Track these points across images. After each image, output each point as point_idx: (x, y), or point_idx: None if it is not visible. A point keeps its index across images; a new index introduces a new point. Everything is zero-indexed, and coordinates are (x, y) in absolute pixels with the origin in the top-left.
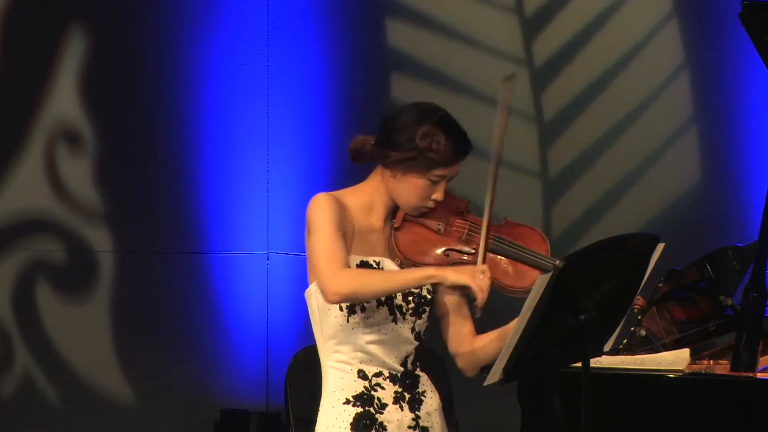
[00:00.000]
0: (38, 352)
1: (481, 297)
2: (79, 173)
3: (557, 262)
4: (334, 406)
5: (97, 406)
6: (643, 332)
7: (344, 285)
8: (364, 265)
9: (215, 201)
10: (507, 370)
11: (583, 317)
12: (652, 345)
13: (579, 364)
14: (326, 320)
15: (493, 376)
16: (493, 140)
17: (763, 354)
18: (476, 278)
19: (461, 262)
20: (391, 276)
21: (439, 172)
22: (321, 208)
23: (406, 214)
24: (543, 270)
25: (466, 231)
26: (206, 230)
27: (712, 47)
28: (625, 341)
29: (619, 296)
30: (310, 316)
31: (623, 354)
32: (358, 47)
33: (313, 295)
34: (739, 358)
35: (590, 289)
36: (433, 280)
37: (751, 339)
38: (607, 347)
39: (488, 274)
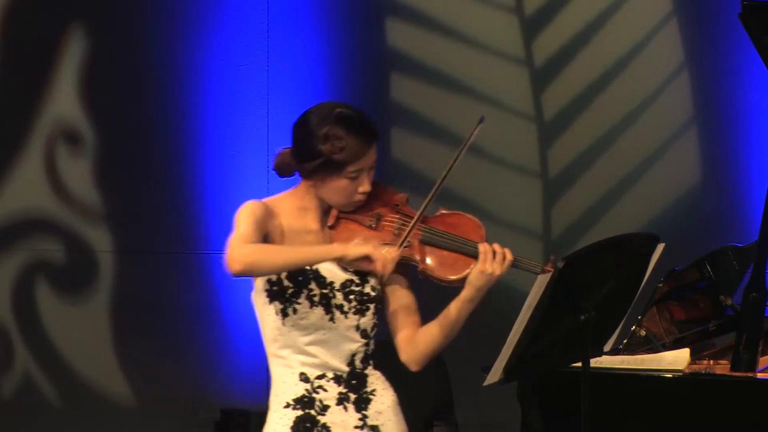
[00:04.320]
0: (38, 352)
1: (379, 265)
2: (79, 173)
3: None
4: (276, 410)
5: (97, 406)
6: (643, 332)
7: (245, 256)
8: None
9: (215, 201)
10: (507, 370)
11: (583, 317)
12: (652, 345)
13: (579, 364)
14: (265, 324)
15: (493, 376)
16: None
17: (763, 354)
18: (379, 248)
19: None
20: (294, 251)
21: (352, 168)
22: (244, 212)
23: (340, 211)
24: (476, 257)
25: (397, 225)
26: (206, 230)
27: (712, 47)
28: (625, 341)
29: (619, 296)
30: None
31: (623, 354)
32: (358, 47)
33: (254, 298)
34: (739, 358)
35: (590, 289)
36: (335, 255)
37: (751, 339)
38: (607, 347)
39: (393, 253)
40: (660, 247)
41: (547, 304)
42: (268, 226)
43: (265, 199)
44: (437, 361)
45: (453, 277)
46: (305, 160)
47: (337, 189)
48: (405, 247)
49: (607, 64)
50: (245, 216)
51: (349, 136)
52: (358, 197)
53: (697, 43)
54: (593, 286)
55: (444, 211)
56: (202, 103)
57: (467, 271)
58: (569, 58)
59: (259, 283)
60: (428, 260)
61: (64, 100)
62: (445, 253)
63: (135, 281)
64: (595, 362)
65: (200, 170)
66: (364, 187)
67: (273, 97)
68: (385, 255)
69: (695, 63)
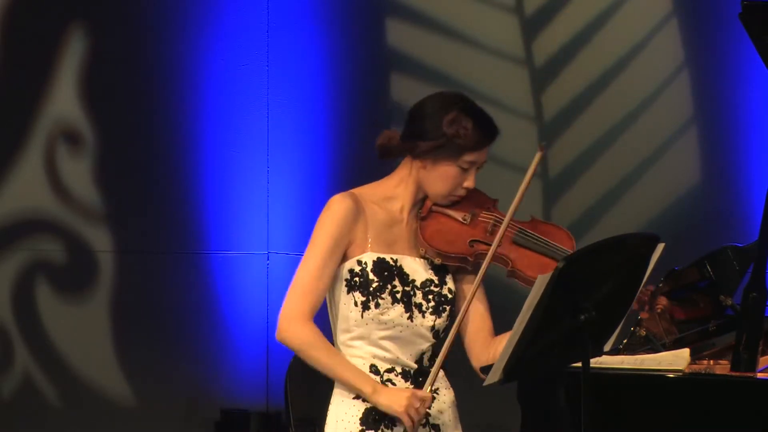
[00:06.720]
0: (38, 352)
1: (409, 427)
2: (79, 173)
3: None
4: (344, 400)
5: (97, 406)
6: (643, 332)
7: (295, 339)
8: (380, 262)
9: (215, 201)
10: (507, 370)
11: (583, 317)
12: (652, 345)
13: (579, 364)
14: (342, 314)
15: (493, 376)
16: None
17: (763, 354)
18: (410, 409)
19: (483, 254)
20: (336, 365)
21: (468, 157)
22: (328, 220)
23: (433, 204)
24: None
25: (491, 223)
26: (206, 230)
27: (712, 47)
28: (625, 341)
29: (619, 296)
30: (328, 309)
31: (623, 354)
32: (358, 47)
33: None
34: (739, 358)
35: (590, 289)
36: (367, 395)
37: (751, 339)
38: (607, 347)
39: (427, 403)
40: (660, 247)
41: (547, 304)
42: (353, 231)
43: (355, 189)
44: None
45: None
46: (424, 138)
47: (445, 175)
48: (498, 246)
49: (607, 64)
50: (323, 239)
51: (475, 126)
52: (460, 192)
53: (697, 43)
54: (593, 286)
55: (535, 218)
56: (202, 103)
57: None
58: (569, 58)
59: (340, 271)
60: (520, 260)
61: (64, 100)
62: (537, 255)
63: (135, 281)
64: (595, 362)
65: (200, 170)
66: (470, 182)
67: (273, 97)
68: (415, 417)
69: (695, 63)
